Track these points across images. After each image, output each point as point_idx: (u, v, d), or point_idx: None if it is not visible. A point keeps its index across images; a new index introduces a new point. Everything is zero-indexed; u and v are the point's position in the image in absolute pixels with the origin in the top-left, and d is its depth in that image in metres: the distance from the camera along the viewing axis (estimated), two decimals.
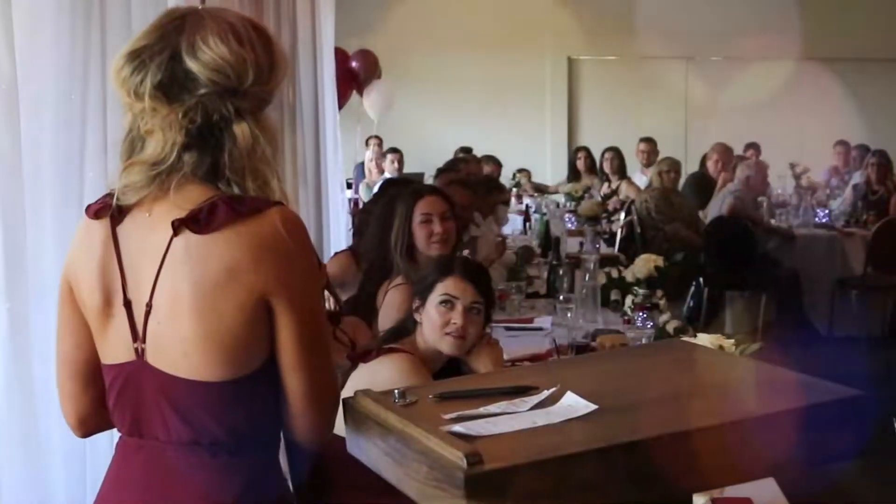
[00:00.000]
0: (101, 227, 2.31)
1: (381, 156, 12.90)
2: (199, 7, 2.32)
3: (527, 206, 11.69)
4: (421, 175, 11.58)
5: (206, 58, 2.21)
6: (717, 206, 10.52)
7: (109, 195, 2.30)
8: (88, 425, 2.49)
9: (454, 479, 1.80)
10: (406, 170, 12.59)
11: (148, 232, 2.24)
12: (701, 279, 10.42)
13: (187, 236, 2.20)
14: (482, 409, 2.06)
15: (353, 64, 12.67)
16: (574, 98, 16.26)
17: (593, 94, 16.23)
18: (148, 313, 2.25)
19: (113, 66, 2.27)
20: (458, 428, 1.95)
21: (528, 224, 10.62)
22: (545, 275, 7.17)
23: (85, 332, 2.38)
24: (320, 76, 9.32)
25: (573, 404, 2.04)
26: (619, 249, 10.31)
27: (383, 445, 2.08)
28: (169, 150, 2.21)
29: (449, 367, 3.93)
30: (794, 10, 15.00)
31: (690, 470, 1.89)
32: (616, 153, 12.75)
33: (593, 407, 2.01)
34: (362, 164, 13.58)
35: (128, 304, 2.28)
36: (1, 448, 3.61)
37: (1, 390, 3.60)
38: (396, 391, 2.18)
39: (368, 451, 2.15)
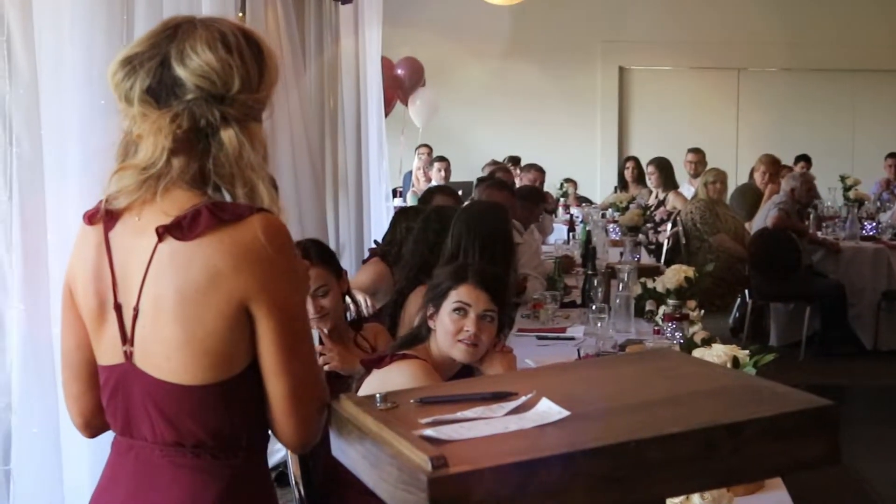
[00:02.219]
0: (95, 232, 2.36)
1: (429, 164, 12.93)
2: (195, 17, 2.35)
3: (571, 215, 11.67)
4: (469, 184, 11.59)
5: (193, 64, 2.25)
6: (763, 218, 10.47)
7: (103, 201, 2.35)
8: (93, 425, 2.53)
9: (419, 482, 1.83)
10: (453, 178, 12.61)
11: (137, 237, 2.29)
12: (746, 291, 10.40)
13: (171, 243, 2.24)
14: (458, 414, 2.08)
15: (399, 72, 12.73)
16: (625, 108, 16.23)
17: (644, 105, 16.20)
18: (135, 317, 2.29)
19: (108, 70, 2.33)
20: (429, 432, 1.98)
21: (571, 234, 10.61)
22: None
23: (85, 334, 2.43)
24: (364, 85, 9.39)
25: (547, 410, 2.06)
26: (666, 260, 10.28)
27: (361, 448, 2.11)
28: (158, 154, 2.25)
29: (462, 374, 3.95)
30: (847, 22, 14.92)
31: (656, 476, 1.90)
32: (660, 164, 12.68)
33: (566, 413, 2.03)
34: (410, 172, 13.63)
35: (118, 308, 2.32)
36: (22, 446, 3.69)
37: (22, 391, 3.68)
38: (378, 395, 2.21)
39: (349, 453, 2.19)
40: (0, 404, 3.67)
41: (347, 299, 4.78)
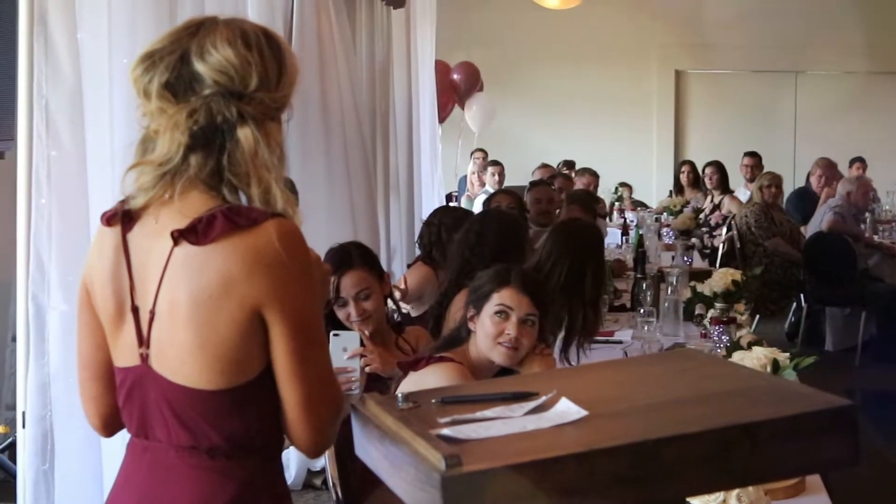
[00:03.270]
0: (113, 234, 2.37)
1: (483, 168, 12.93)
2: (219, 16, 2.37)
3: (625, 219, 11.63)
4: (523, 189, 11.59)
5: (212, 59, 2.26)
6: (818, 222, 10.40)
7: (122, 202, 2.37)
8: (112, 426, 2.54)
9: (433, 481, 1.83)
10: (508, 182, 12.60)
11: (155, 239, 2.30)
12: (801, 295, 10.32)
13: (186, 247, 2.25)
14: (477, 414, 2.08)
15: (455, 76, 12.75)
16: (681, 112, 16.15)
17: (701, 108, 16.10)
18: (152, 320, 2.30)
19: (129, 65, 2.35)
20: (446, 431, 1.98)
21: (625, 238, 10.58)
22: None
23: (102, 335, 2.44)
24: (416, 89, 9.40)
25: (566, 410, 2.06)
26: (721, 264, 10.22)
27: (382, 448, 2.12)
28: (175, 150, 2.26)
29: (500, 377, 3.95)
30: None
31: (673, 476, 1.89)
32: (716, 168, 12.63)
33: (584, 413, 2.03)
34: (465, 177, 13.65)
35: (135, 310, 2.34)
36: (60, 447, 3.73)
37: (61, 391, 3.73)
38: (400, 395, 2.21)
39: (371, 453, 2.19)
40: (41, 404, 3.72)
41: (388, 302, 4.80)
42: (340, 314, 4.43)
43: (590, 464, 1.86)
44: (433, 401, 2.21)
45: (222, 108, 2.27)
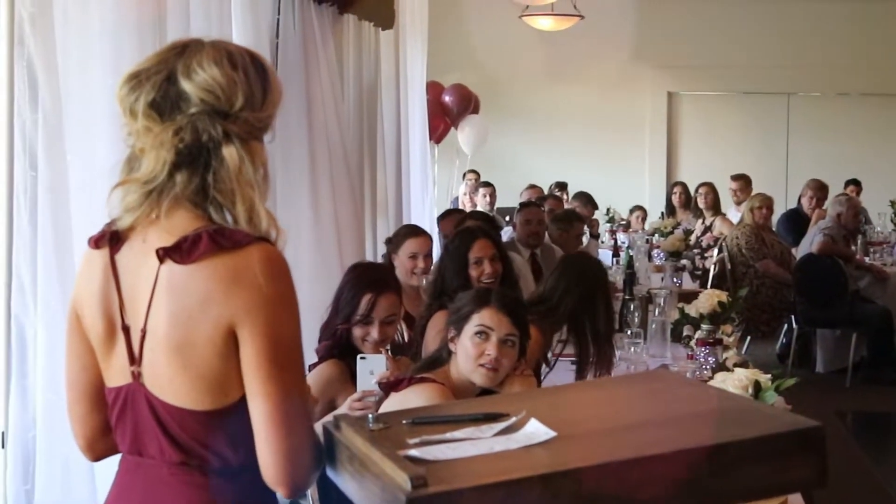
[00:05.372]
0: (100, 256, 2.38)
1: (475, 190, 12.94)
2: (204, 38, 2.38)
3: (615, 240, 11.65)
4: (514, 209, 11.61)
5: (198, 78, 2.27)
6: (809, 244, 10.42)
7: (109, 224, 2.38)
8: (97, 449, 2.55)
9: (399, 501, 1.84)
10: (500, 204, 12.62)
11: (143, 258, 2.31)
12: (792, 317, 10.33)
13: (171, 266, 2.26)
14: (446, 435, 2.08)
15: (446, 98, 12.76)
16: (673, 133, 16.18)
17: (693, 130, 16.14)
18: (143, 338, 2.31)
19: (115, 85, 2.36)
20: (414, 452, 1.99)
21: (616, 259, 10.58)
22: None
23: (90, 357, 2.45)
24: (405, 110, 9.40)
25: (534, 431, 2.06)
26: (712, 286, 10.22)
27: (350, 468, 2.13)
28: (160, 168, 2.27)
29: (474, 398, 3.94)
30: None
31: (638, 498, 1.89)
32: (710, 188, 12.67)
33: (552, 434, 2.03)
34: (457, 198, 13.66)
35: (125, 329, 2.35)
36: (42, 468, 3.72)
37: (43, 411, 3.72)
38: (371, 416, 2.22)
39: (340, 473, 2.20)
40: (24, 424, 3.71)
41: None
42: (358, 331, 4.39)
43: (555, 485, 1.86)
44: (403, 422, 2.22)
45: (208, 127, 2.27)
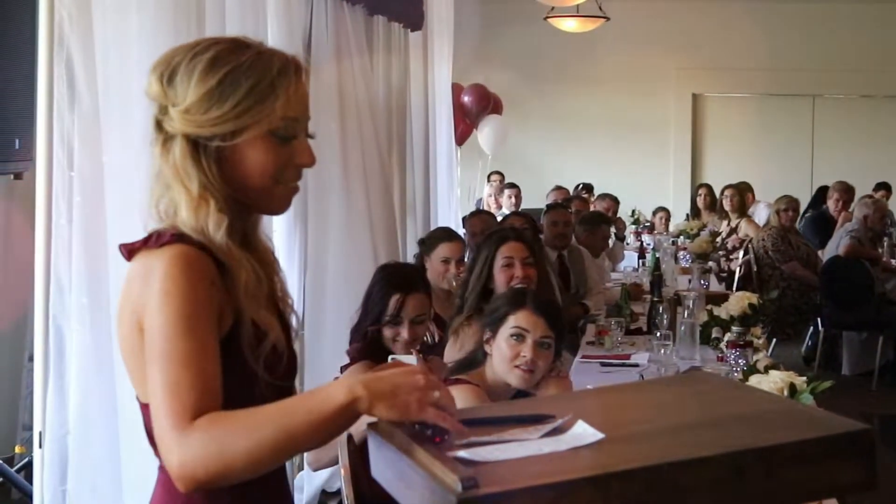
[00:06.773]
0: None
1: (500, 191, 12.94)
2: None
3: (641, 242, 11.65)
4: (539, 211, 11.60)
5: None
6: (835, 246, 10.39)
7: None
8: None
9: (449, 503, 1.83)
10: (525, 205, 12.61)
11: None
12: (818, 319, 10.30)
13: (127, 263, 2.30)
14: (493, 436, 2.09)
15: (465, 98, 12.75)
16: (698, 135, 16.16)
17: (718, 131, 16.11)
18: None
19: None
20: (462, 453, 1.98)
21: (641, 261, 10.59)
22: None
23: None
24: (433, 111, 9.41)
25: (582, 433, 2.06)
26: (738, 288, 10.21)
27: (397, 469, 2.12)
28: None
29: (517, 399, 3.95)
30: None
31: (687, 500, 1.89)
32: (736, 191, 12.66)
33: (600, 436, 2.03)
34: (481, 199, 13.66)
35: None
36: (78, 467, 3.74)
37: (79, 411, 3.74)
38: None
39: (386, 474, 2.20)
40: (59, 424, 3.73)
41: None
42: (388, 332, 4.42)
43: (605, 487, 1.86)
44: None
45: (161, 127, 2.29)
